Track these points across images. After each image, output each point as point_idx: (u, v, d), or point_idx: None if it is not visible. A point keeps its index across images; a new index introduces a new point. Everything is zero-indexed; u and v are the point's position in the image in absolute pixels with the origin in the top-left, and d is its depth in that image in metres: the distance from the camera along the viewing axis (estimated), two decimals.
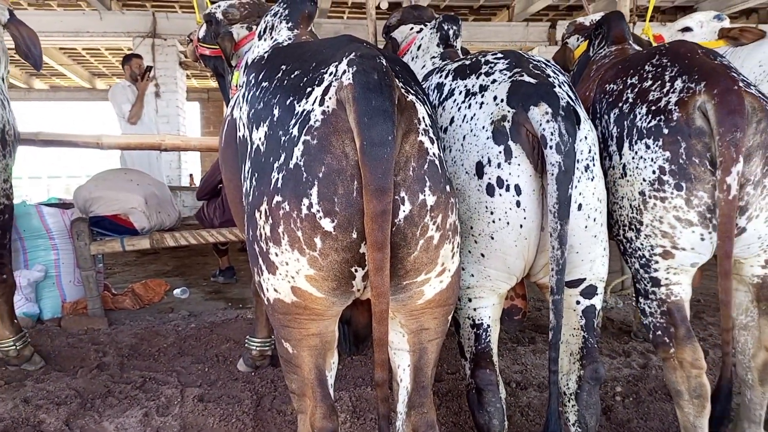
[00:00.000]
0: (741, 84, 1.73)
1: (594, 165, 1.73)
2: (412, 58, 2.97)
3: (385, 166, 1.28)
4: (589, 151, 1.72)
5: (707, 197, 1.73)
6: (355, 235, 1.33)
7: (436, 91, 1.99)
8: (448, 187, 1.44)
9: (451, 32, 2.80)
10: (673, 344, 1.86)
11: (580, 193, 1.69)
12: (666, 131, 1.77)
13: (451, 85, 1.93)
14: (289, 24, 2.42)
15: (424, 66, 2.84)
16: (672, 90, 1.81)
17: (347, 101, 1.32)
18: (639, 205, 1.84)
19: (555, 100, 1.64)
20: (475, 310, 1.78)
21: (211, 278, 5.25)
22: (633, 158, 1.85)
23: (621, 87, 2.00)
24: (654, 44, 3.44)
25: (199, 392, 2.72)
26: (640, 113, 1.86)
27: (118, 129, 6.47)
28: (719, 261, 1.71)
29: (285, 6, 2.48)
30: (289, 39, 2.38)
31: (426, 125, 1.42)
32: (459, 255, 1.53)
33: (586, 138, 1.72)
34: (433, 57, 2.80)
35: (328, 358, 1.51)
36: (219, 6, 2.92)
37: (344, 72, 1.37)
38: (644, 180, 1.81)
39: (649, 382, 2.72)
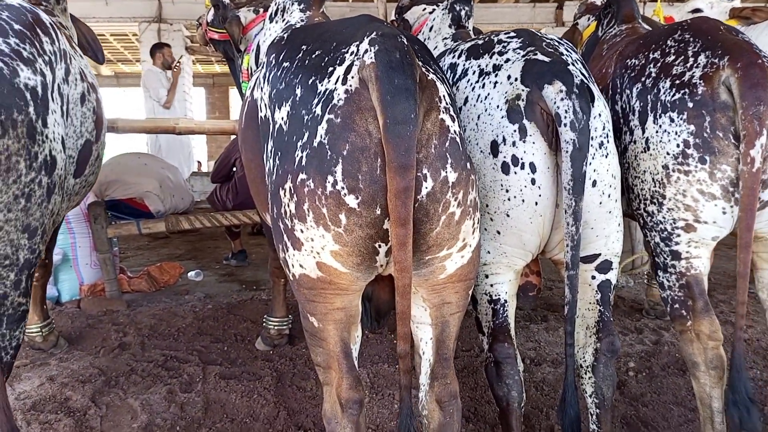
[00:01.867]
0: (764, 59, 1.75)
1: (608, 142, 1.76)
2: (425, 39, 2.98)
3: (408, 144, 1.31)
4: (603, 128, 1.75)
5: (730, 171, 1.75)
6: (378, 212, 1.37)
7: (449, 71, 2.01)
8: (468, 164, 1.47)
9: (462, 13, 2.81)
10: (690, 317, 1.89)
11: (594, 170, 1.72)
12: (691, 105, 1.79)
13: (464, 65, 1.95)
14: (301, 6, 2.45)
15: (436, 47, 2.86)
16: (696, 65, 1.83)
17: (370, 80, 1.35)
18: (662, 179, 1.86)
19: (569, 78, 1.66)
20: (492, 285, 1.82)
21: (223, 261, 5.32)
22: (657, 132, 1.87)
23: (643, 62, 2.01)
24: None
25: (220, 370, 2.79)
26: (664, 87, 1.88)
27: (145, 113, 6.93)
28: (740, 233, 1.73)
29: None
30: (302, 21, 2.40)
31: (447, 103, 1.45)
32: (479, 231, 1.57)
33: (600, 115, 1.74)
34: (445, 38, 2.82)
35: (352, 332, 1.56)
36: None
37: (366, 51, 1.40)
38: (668, 153, 1.84)
39: (661, 358, 2.77)
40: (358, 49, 1.44)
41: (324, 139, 1.38)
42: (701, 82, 1.78)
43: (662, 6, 4.17)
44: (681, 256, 1.89)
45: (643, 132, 1.92)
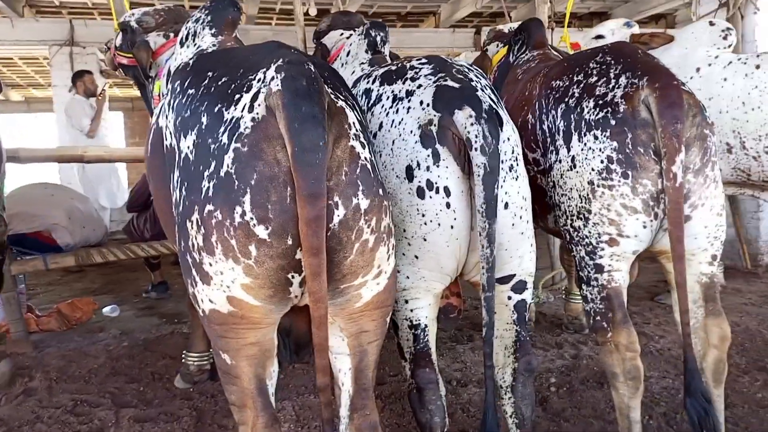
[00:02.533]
0: (679, 81, 1.87)
1: (518, 165, 1.81)
2: (342, 64, 3.00)
3: (317, 172, 1.30)
4: (512, 152, 1.80)
5: (651, 185, 1.83)
6: (290, 242, 1.34)
7: (364, 96, 2.02)
8: (380, 191, 1.46)
9: (378, 38, 2.85)
10: (610, 329, 1.95)
11: (506, 192, 1.76)
12: (613, 122, 1.87)
13: (378, 90, 1.96)
14: (213, 30, 2.40)
15: (353, 72, 2.87)
16: (617, 85, 1.92)
17: (277, 108, 1.33)
18: (588, 194, 1.93)
19: (478, 104, 1.70)
20: (411, 311, 1.81)
21: (143, 294, 5.06)
22: (582, 149, 1.94)
23: (567, 83, 2.09)
24: (571, 51, 3.62)
25: (135, 413, 2.62)
26: (587, 107, 1.95)
27: (66, 140, 6.74)
28: (672, 246, 1.80)
29: (207, 12, 2.45)
30: (214, 45, 2.35)
31: (356, 130, 1.45)
32: (394, 257, 1.56)
33: (509, 139, 1.79)
34: (362, 63, 2.84)
35: (267, 367, 1.50)
36: (133, 14, 2.85)
37: (273, 78, 1.38)
38: (593, 170, 1.90)
39: (581, 372, 2.85)
40: (264, 76, 1.42)
41: (231, 168, 1.34)
42: (623, 101, 1.87)
43: (568, 32, 4.41)
44: (603, 269, 1.95)
45: (569, 150, 1.99)
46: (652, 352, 3.04)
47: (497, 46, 3.50)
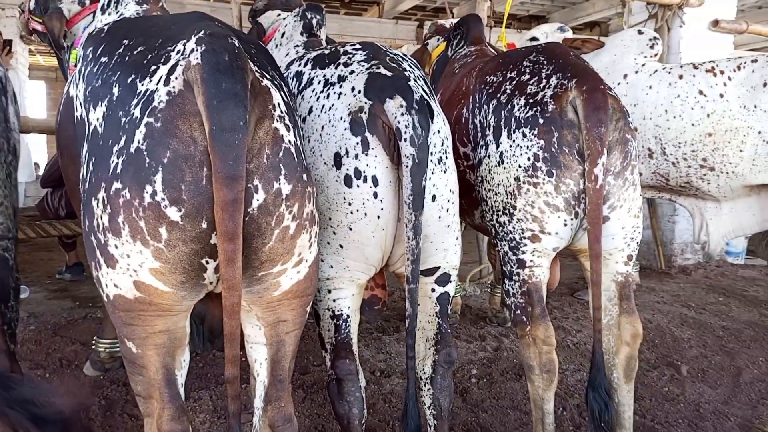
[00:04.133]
0: (605, 85, 1.91)
1: (447, 157, 1.80)
2: (276, 45, 2.91)
3: (236, 153, 1.24)
4: (442, 144, 1.79)
5: (573, 185, 1.87)
6: (204, 225, 1.27)
7: (295, 79, 1.96)
8: (305, 176, 1.42)
9: (314, 21, 2.78)
10: (529, 322, 1.99)
11: (434, 185, 1.75)
12: (541, 121, 1.89)
13: (310, 74, 1.91)
14: None
15: (287, 54, 2.79)
16: (548, 85, 1.94)
17: (195, 82, 1.26)
18: (514, 191, 1.94)
19: (409, 94, 1.68)
20: (334, 301, 1.78)
21: (56, 275, 4.78)
22: (510, 146, 1.96)
23: (501, 79, 2.10)
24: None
25: None
26: (518, 104, 1.97)
27: None
28: (590, 245, 1.85)
29: None
30: (137, 14, 2.22)
31: (282, 112, 1.39)
32: (317, 245, 1.52)
33: (438, 131, 1.78)
34: (297, 45, 2.76)
35: (177, 357, 1.43)
36: None
37: (192, 51, 1.30)
38: (520, 166, 1.92)
39: (501, 364, 2.90)
40: (184, 48, 1.34)
41: (142, 144, 1.26)
42: (552, 101, 1.90)
43: (507, 33, 4.47)
44: (525, 264, 1.98)
45: (498, 146, 2.00)
46: (569, 346, 3.14)
47: (438, 40, 3.50)
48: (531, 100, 1.93)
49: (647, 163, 3.51)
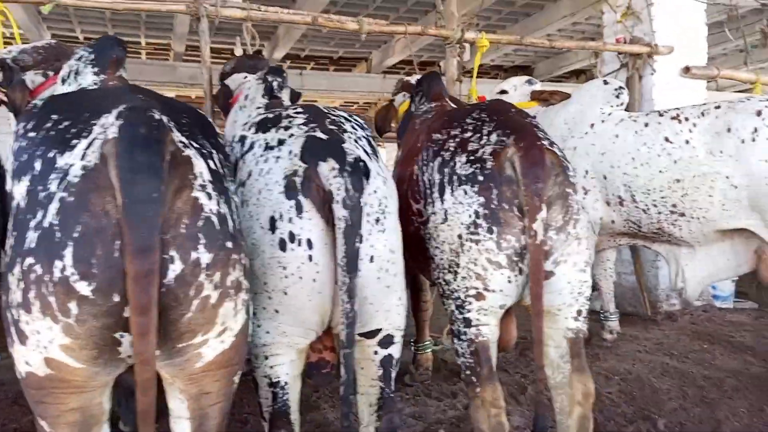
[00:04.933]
0: (544, 141, 1.92)
1: (385, 218, 1.79)
2: (241, 107, 2.97)
3: (149, 225, 1.25)
4: (380, 204, 1.78)
5: (515, 241, 1.86)
6: (117, 299, 1.26)
7: (239, 143, 1.98)
8: (230, 243, 1.41)
9: (275, 84, 2.84)
10: (478, 383, 1.94)
11: (371, 246, 1.74)
12: (481, 178, 1.90)
13: (252, 138, 1.93)
14: (95, 69, 2.32)
15: (250, 116, 2.84)
16: (488, 142, 1.96)
17: (111, 156, 1.27)
18: (457, 248, 1.93)
19: (342, 156, 1.69)
20: (271, 367, 1.74)
21: None
22: (453, 203, 1.96)
23: (445, 137, 2.13)
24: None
25: None
26: (460, 161, 1.98)
27: None
28: (532, 302, 1.83)
29: (91, 50, 2.38)
30: (95, 84, 2.27)
31: (204, 180, 1.40)
32: (246, 312, 1.49)
33: (375, 192, 1.77)
34: (258, 107, 2.81)
35: None
36: (10, 51, 2.73)
37: (111, 125, 1.33)
38: (462, 224, 1.92)
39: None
40: (105, 122, 1.36)
41: (55, 219, 1.27)
42: (491, 158, 1.91)
43: (487, 83, 4.55)
44: (472, 323, 1.95)
45: (443, 203, 2.01)
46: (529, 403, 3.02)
47: (404, 96, 3.56)
48: (472, 158, 1.94)
49: (619, 210, 3.51)
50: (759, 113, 3.03)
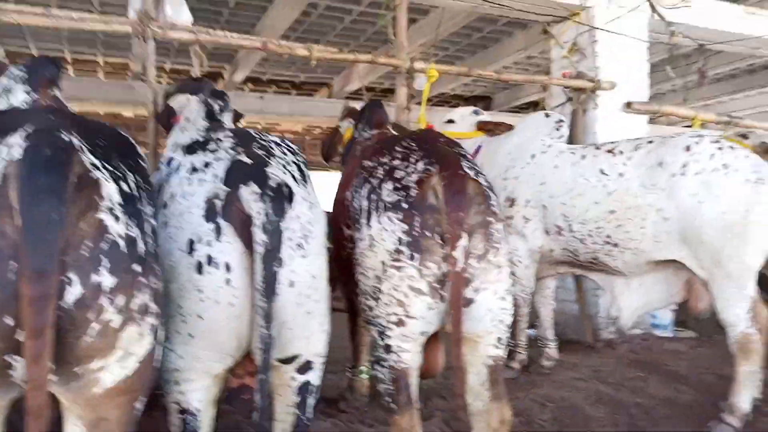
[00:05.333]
0: (468, 170, 1.96)
1: (308, 243, 1.80)
2: (181, 129, 2.94)
3: (47, 247, 1.23)
4: (302, 229, 1.78)
5: (436, 268, 1.88)
6: (9, 322, 1.23)
7: (167, 165, 1.97)
8: (137, 267, 1.39)
9: (216, 107, 2.84)
10: (397, 411, 1.94)
11: (292, 271, 1.74)
12: (405, 205, 1.92)
13: (179, 160, 1.92)
14: (27, 87, 2.30)
15: (191, 138, 2.82)
16: (415, 170, 1.99)
17: (12, 177, 1.26)
18: (380, 274, 1.95)
19: (264, 180, 1.70)
20: (182, 393, 1.71)
21: None
22: (378, 230, 1.97)
23: (375, 164, 2.15)
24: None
25: None
26: (386, 188, 2.00)
27: None
28: (452, 329, 1.85)
29: (24, 69, 2.35)
30: (26, 103, 2.24)
31: (111, 203, 1.38)
32: (153, 337, 1.46)
33: (299, 217, 1.78)
34: (199, 130, 2.80)
35: None
36: None
37: (16, 145, 1.31)
38: (386, 250, 1.94)
39: None
40: (11, 144, 1.34)
41: None
42: (415, 185, 1.94)
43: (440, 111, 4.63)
44: (392, 349, 1.96)
45: (369, 229, 2.02)
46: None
47: (349, 122, 3.60)
48: (398, 185, 1.97)
49: (557, 239, 3.59)
50: (688, 148, 3.15)
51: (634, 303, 3.52)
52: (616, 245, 3.34)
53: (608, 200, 3.33)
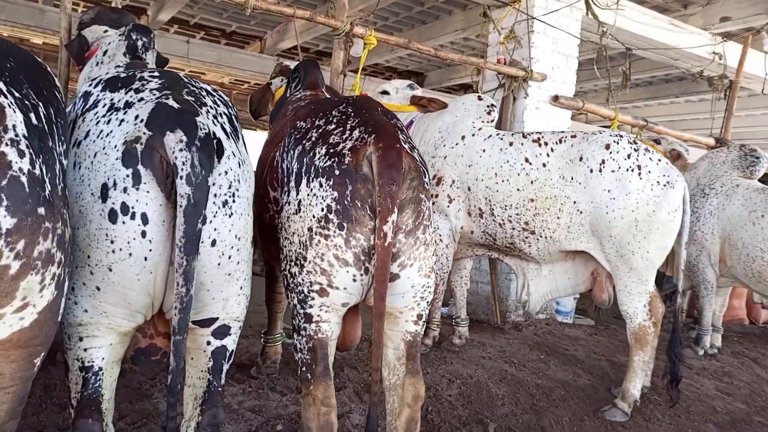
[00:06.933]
0: (404, 144, 1.90)
1: (234, 201, 1.70)
2: (98, 63, 2.70)
3: None
4: (230, 187, 1.68)
5: (363, 240, 1.83)
6: None
7: (82, 99, 1.79)
8: (42, 210, 1.25)
9: (139, 43, 2.62)
10: (312, 381, 1.89)
11: (215, 229, 1.64)
12: (337, 173, 1.84)
13: (98, 95, 1.75)
14: None
15: (107, 73, 2.59)
16: (350, 137, 1.90)
17: None
18: (306, 241, 1.87)
19: (193, 129, 1.57)
20: (85, 350, 1.58)
21: None
22: (308, 195, 1.89)
23: (309, 126, 2.04)
24: None
25: None
26: (319, 153, 1.91)
27: None
28: (375, 303, 1.81)
29: None
30: None
31: (17, 134, 1.22)
32: (57, 288, 1.33)
33: (226, 173, 1.68)
34: (118, 66, 2.57)
35: None
36: None
37: None
38: (314, 217, 1.86)
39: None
40: None
41: None
42: (349, 153, 1.86)
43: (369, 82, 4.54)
44: (312, 318, 1.90)
45: (297, 194, 1.93)
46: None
47: (281, 80, 3.45)
48: (331, 150, 1.89)
49: (478, 222, 3.66)
50: (608, 147, 3.29)
51: (543, 289, 3.67)
52: (533, 232, 3.45)
53: (530, 188, 3.42)
